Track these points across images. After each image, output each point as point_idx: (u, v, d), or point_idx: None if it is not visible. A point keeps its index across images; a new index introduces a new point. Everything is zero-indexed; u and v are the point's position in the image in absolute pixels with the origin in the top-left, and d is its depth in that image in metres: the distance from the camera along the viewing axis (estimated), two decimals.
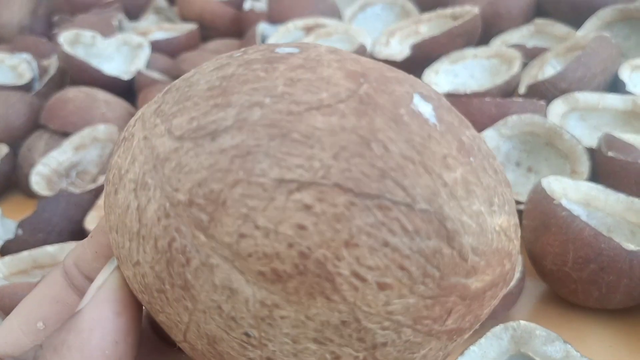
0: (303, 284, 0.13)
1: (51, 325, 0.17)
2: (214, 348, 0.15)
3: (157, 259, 0.14)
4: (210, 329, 0.14)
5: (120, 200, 0.15)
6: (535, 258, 0.37)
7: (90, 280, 0.18)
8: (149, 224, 0.14)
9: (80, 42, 0.68)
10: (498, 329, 0.30)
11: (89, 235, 0.19)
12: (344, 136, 0.13)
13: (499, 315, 0.35)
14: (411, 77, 0.16)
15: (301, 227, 0.13)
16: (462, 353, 0.30)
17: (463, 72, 0.60)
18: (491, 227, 0.15)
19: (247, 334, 0.14)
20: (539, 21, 0.65)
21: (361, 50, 0.64)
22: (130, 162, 0.15)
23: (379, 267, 0.13)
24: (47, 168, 0.55)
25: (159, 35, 0.78)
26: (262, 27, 0.70)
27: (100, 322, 0.15)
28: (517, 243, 0.16)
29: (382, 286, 0.13)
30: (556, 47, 0.58)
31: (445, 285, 0.14)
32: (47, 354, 0.15)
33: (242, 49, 0.17)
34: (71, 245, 0.43)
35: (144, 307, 0.17)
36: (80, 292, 0.18)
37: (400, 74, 0.16)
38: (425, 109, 0.15)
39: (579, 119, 0.50)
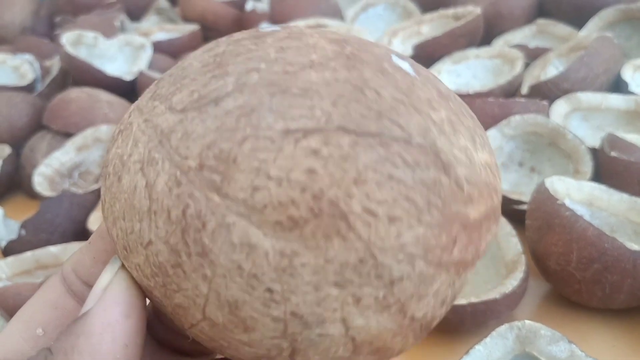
0: (319, 227, 0.13)
1: (50, 331, 0.17)
2: (236, 315, 0.14)
3: (171, 231, 0.14)
4: (232, 294, 0.14)
5: (126, 185, 0.15)
6: (539, 258, 0.37)
7: (89, 286, 0.17)
8: (160, 197, 0.14)
9: (82, 42, 0.68)
10: (503, 328, 0.30)
11: (87, 241, 0.19)
12: (338, 86, 0.14)
13: (503, 315, 0.35)
14: (383, 44, 0.17)
15: (311, 171, 0.13)
16: (467, 352, 0.30)
17: (465, 73, 0.60)
18: (478, 161, 0.16)
19: (269, 290, 0.14)
20: (541, 21, 0.65)
21: None
22: (133, 146, 0.15)
23: (387, 200, 0.14)
24: (50, 169, 0.55)
25: (161, 35, 0.78)
26: (264, 27, 0.70)
27: (110, 326, 0.15)
28: (499, 181, 0.17)
29: (392, 219, 0.14)
30: (558, 47, 0.58)
31: (447, 213, 0.15)
32: (58, 359, 0.15)
33: (227, 35, 0.17)
34: (74, 245, 0.43)
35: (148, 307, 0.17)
36: (79, 298, 0.18)
37: (374, 42, 0.17)
38: (403, 64, 0.16)
39: (582, 119, 0.50)
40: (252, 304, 0.14)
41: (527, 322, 0.30)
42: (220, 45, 0.16)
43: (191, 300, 0.15)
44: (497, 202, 0.16)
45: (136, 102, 0.17)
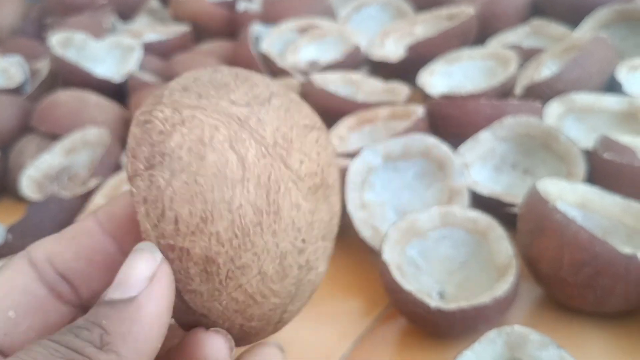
0: (324, 192, 0.20)
1: (22, 314, 0.18)
2: (282, 265, 0.19)
3: (259, 194, 0.19)
4: (285, 246, 0.19)
5: (213, 160, 0.19)
6: (531, 261, 0.36)
7: (66, 279, 0.18)
8: (251, 167, 0.19)
9: (71, 44, 0.67)
10: (492, 333, 0.29)
11: (68, 235, 0.19)
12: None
13: (494, 319, 0.34)
14: None
15: (318, 153, 0.21)
16: (455, 358, 0.29)
17: (459, 73, 0.60)
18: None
19: (303, 241, 0.19)
20: (535, 21, 0.65)
21: (356, 52, 0.64)
22: (213, 130, 0.19)
23: (337, 176, 0.23)
24: (38, 172, 0.54)
25: (152, 36, 0.77)
26: (256, 28, 0.69)
27: (159, 318, 0.17)
28: None
29: (338, 191, 0.23)
30: (552, 47, 0.57)
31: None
32: (118, 341, 0.16)
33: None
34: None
35: None
36: (52, 289, 0.19)
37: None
38: None
39: (576, 120, 0.50)
40: (293, 253, 0.19)
41: (516, 327, 0.29)
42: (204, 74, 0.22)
43: (256, 256, 0.19)
44: None
45: (168, 100, 0.20)
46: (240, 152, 0.19)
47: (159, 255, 0.18)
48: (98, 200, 0.47)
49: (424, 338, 0.37)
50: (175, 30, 0.78)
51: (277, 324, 0.21)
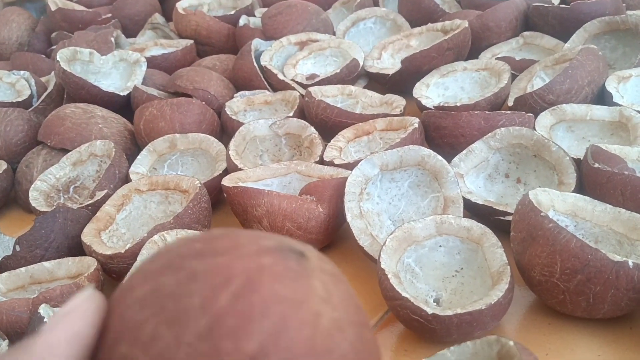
0: None
1: None
2: None
3: None
4: None
5: None
6: (524, 269, 0.37)
7: None
8: None
9: (77, 59, 0.69)
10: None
11: None
12: None
13: (489, 325, 0.35)
14: None
15: None
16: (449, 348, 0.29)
17: (453, 85, 0.61)
18: None
19: None
20: (527, 34, 0.66)
21: (354, 65, 0.65)
22: None
23: None
24: (45, 184, 0.55)
25: (156, 51, 0.79)
26: (257, 42, 0.71)
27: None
28: None
29: None
30: (544, 59, 0.59)
31: None
32: None
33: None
34: (69, 261, 0.44)
35: None
36: None
37: None
38: None
39: (567, 130, 0.51)
40: None
41: None
42: None
43: None
44: None
45: None
46: None
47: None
48: (108, 209, 0.48)
49: (421, 343, 0.38)
50: (179, 44, 0.79)
51: None
